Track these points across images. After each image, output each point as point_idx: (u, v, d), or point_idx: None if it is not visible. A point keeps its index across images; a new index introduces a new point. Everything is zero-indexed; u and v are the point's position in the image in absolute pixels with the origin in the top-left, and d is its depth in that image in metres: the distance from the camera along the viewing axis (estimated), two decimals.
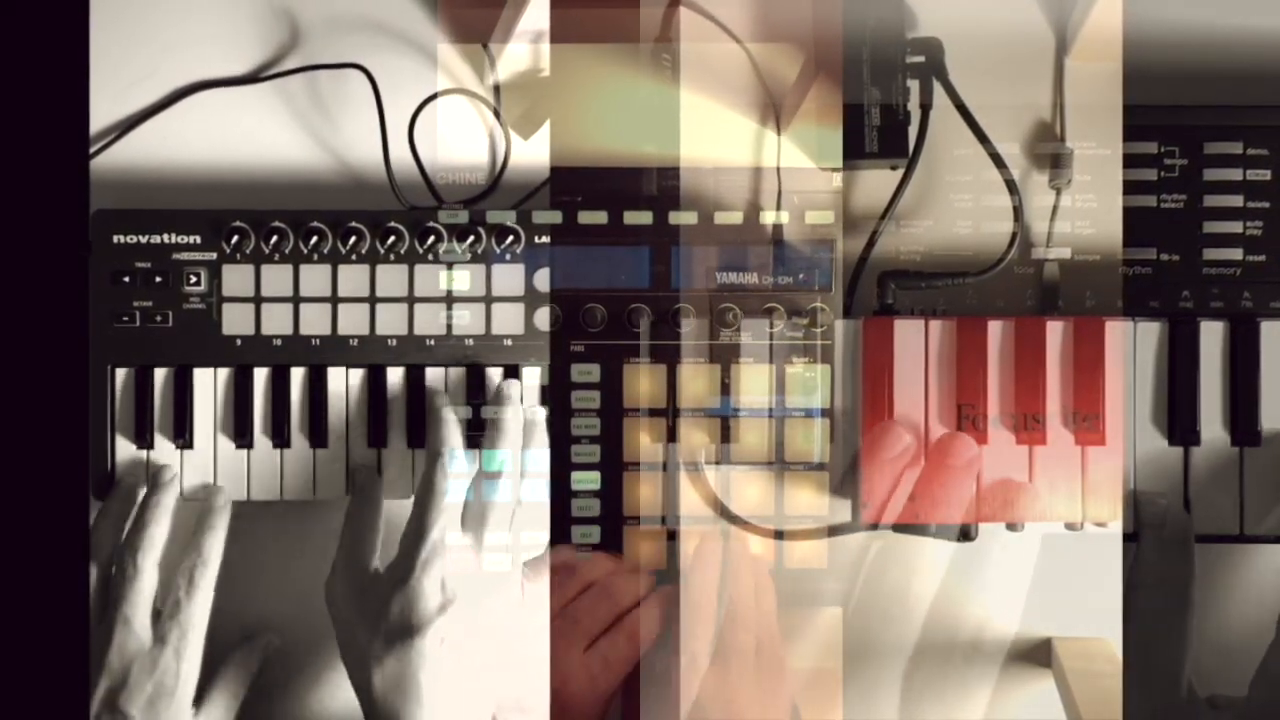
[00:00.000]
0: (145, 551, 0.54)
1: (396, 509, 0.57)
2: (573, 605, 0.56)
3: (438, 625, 0.52)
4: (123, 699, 0.52)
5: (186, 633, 0.53)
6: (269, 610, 0.59)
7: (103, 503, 0.57)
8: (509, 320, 0.58)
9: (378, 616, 0.52)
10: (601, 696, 0.55)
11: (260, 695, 0.58)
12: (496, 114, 0.60)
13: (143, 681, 0.52)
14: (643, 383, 0.58)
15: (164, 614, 0.54)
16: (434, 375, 0.58)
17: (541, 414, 0.57)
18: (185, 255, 0.57)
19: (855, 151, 0.57)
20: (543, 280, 0.58)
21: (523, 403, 0.58)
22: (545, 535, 0.57)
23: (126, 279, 0.57)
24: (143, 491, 0.57)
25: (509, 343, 0.58)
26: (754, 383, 0.58)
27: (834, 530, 0.56)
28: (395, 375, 0.58)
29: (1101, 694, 0.56)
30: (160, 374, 0.58)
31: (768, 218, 0.59)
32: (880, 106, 0.57)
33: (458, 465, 0.55)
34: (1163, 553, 0.55)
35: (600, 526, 0.58)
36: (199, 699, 0.54)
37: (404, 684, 0.51)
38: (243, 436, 0.58)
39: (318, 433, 0.58)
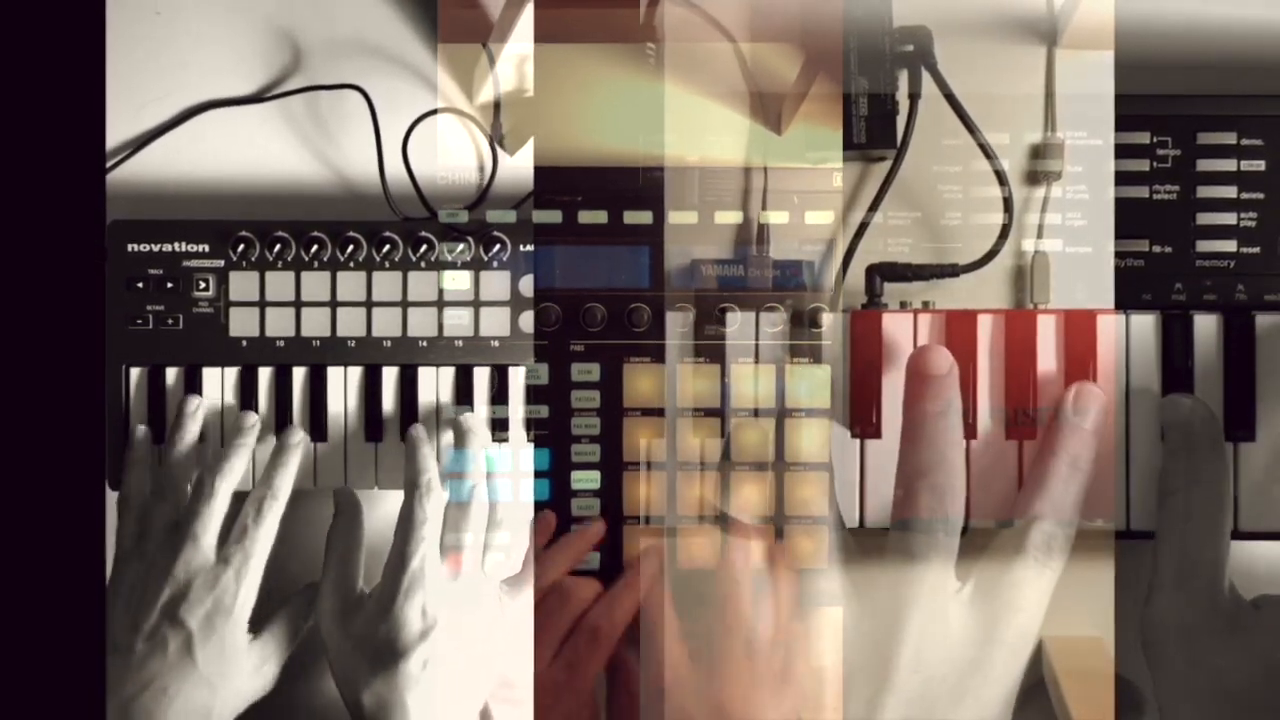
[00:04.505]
0: (224, 477, 0.56)
1: (392, 512, 0.59)
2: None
3: (420, 650, 0.54)
4: (183, 610, 0.54)
5: (249, 558, 0.55)
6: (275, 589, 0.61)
7: (125, 455, 0.58)
8: (496, 323, 0.60)
9: (365, 642, 0.54)
10: (579, 697, 0.55)
11: (309, 646, 0.59)
12: (492, 142, 0.62)
13: (203, 596, 0.54)
14: (643, 382, 0.59)
15: (230, 538, 0.56)
16: (426, 374, 0.60)
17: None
18: (195, 263, 0.60)
19: (844, 142, 0.57)
20: (527, 286, 0.60)
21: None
22: (529, 535, 0.58)
23: (140, 285, 0.59)
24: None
25: (496, 344, 0.60)
26: (754, 383, 0.57)
27: (834, 530, 0.56)
28: (390, 375, 0.60)
29: (1094, 694, 0.55)
30: (171, 373, 0.60)
31: (768, 217, 0.59)
32: (868, 96, 0.57)
33: (436, 495, 0.56)
34: (1193, 454, 0.53)
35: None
36: (257, 628, 0.56)
37: (391, 705, 0.53)
38: None
39: (318, 427, 0.60)
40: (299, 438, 0.59)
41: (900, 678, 0.50)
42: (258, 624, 0.56)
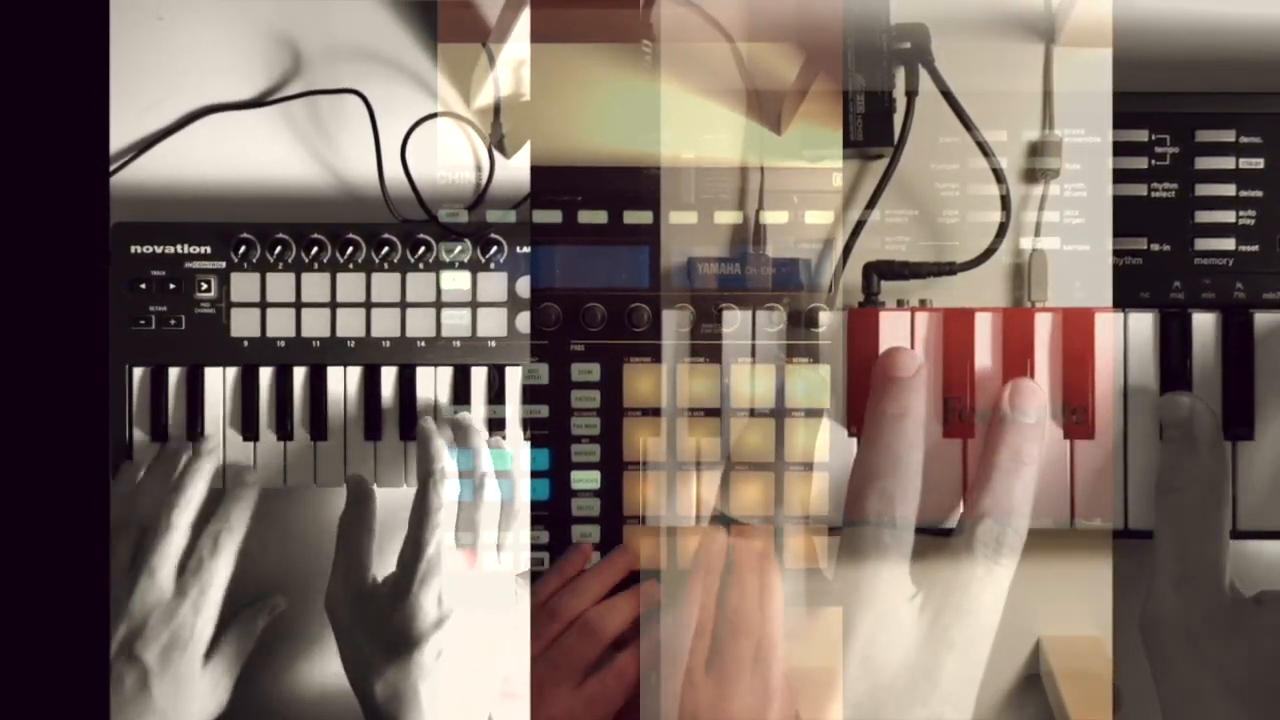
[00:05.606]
0: (181, 509, 0.56)
1: (391, 508, 0.60)
2: (557, 644, 0.56)
3: (435, 639, 0.54)
4: (139, 646, 0.54)
5: (206, 590, 0.55)
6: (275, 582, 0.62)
7: (148, 464, 0.59)
8: (494, 323, 0.60)
9: (378, 629, 0.54)
10: None
11: (264, 655, 0.60)
12: (490, 148, 0.62)
13: (159, 631, 0.54)
14: (643, 382, 0.59)
15: (187, 570, 0.56)
16: (425, 374, 0.61)
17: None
18: (197, 264, 0.60)
19: (841, 140, 0.57)
20: (524, 287, 0.60)
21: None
22: (527, 534, 0.59)
23: (143, 286, 0.60)
24: (185, 457, 0.59)
25: (493, 344, 0.60)
26: (753, 382, 0.57)
27: (834, 530, 0.56)
28: (389, 374, 0.61)
29: (1092, 694, 0.55)
30: (174, 373, 0.61)
31: (768, 217, 0.59)
32: (865, 94, 0.57)
33: (450, 483, 0.56)
34: (1191, 452, 0.53)
35: (600, 526, 0.59)
36: (208, 654, 0.56)
37: (403, 694, 0.53)
38: (249, 430, 0.60)
39: (318, 426, 0.60)
40: (255, 477, 0.59)
41: (848, 682, 0.49)
42: (210, 648, 0.56)
